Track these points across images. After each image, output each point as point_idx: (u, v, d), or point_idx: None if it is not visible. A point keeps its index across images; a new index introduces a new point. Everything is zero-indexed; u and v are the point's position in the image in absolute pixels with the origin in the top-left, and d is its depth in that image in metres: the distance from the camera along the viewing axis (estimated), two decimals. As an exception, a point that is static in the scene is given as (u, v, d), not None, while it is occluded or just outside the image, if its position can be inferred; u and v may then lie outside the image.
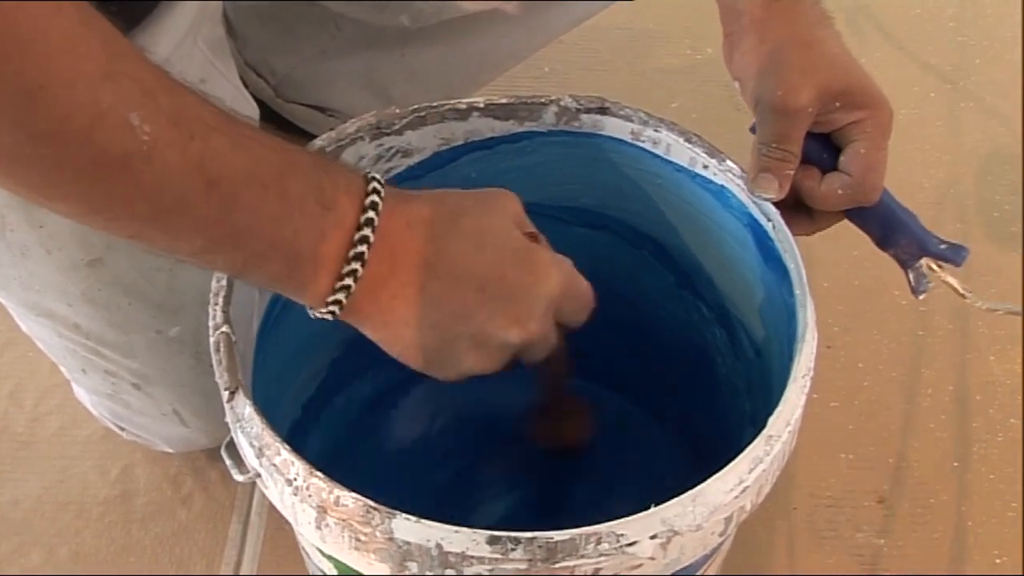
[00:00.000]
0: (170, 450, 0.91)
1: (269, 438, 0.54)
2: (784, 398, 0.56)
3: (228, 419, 0.57)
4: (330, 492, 0.52)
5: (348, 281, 0.54)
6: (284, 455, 0.54)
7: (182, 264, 0.75)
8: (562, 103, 0.69)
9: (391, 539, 0.51)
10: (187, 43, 0.72)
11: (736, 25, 0.67)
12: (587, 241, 0.75)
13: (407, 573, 0.52)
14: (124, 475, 0.92)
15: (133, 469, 0.93)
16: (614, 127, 0.69)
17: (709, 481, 0.53)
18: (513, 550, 0.50)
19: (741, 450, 0.54)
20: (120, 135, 0.47)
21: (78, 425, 0.95)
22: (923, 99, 1.23)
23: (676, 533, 0.51)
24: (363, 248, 0.54)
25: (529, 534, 0.50)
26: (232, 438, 0.58)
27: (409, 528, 0.51)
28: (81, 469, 0.93)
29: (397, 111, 0.68)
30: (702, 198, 0.68)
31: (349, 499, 0.52)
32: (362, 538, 0.52)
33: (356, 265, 0.54)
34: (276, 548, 0.88)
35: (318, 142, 0.66)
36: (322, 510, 0.52)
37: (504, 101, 0.69)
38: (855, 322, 1.03)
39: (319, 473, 0.53)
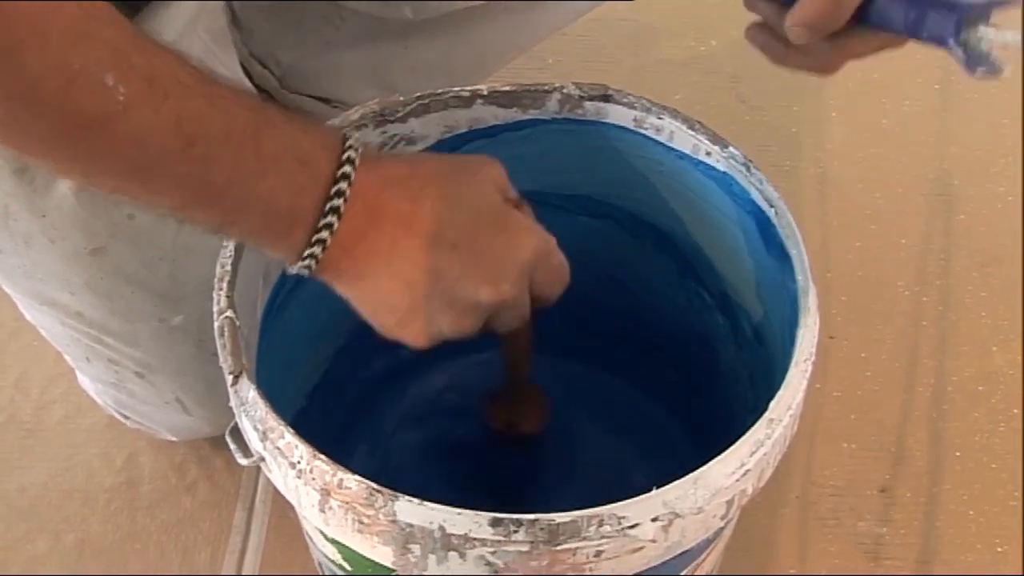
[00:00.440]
0: (174, 438, 0.91)
1: (273, 421, 0.55)
2: (786, 382, 0.56)
3: (232, 403, 0.58)
4: (333, 475, 0.52)
5: (324, 235, 0.54)
6: (288, 438, 0.54)
7: (185, 253, 0.75)
8: (565, 91, 0.69)
9: (394, 521, 0.51)
10: (189, 33, 0.72)
11: None
12: (589, 230, 0.75)
13: (410, 555, 0.52)
14: (129, 463, 0.93)
15: (138, 457, 0.93)
16: (617, 115, 0.69)
17: (711, 464, 0.53)
18: (515, 532, 0.50)
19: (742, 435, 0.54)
20: (94, 95, 0.47)
21: (83, 413, 0.95)
22: (926, 91, 1.23)
23: (677, 515, 0.52)
24: (339, 202, 0.54)
25: (531, 516, 0.50)
26: (236, 423, 0.58)
27: (412, 510, 0.51)
28: (86, 457, 0.93)
29: (401, 99, 0.68)
30: (705, 185, 0.68)
31: (352, 481, 0.52)
32: (365, 520, 0.52)
33: (332, 219, 0.54)
34: (280, 535, 0.88)
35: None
36: (325, 493, 0.52)
37: (507, 89, 0.69)
38: (858, 313, 1.03)
39: (322, 456, 0.53)
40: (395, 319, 0.58)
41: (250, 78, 0.89)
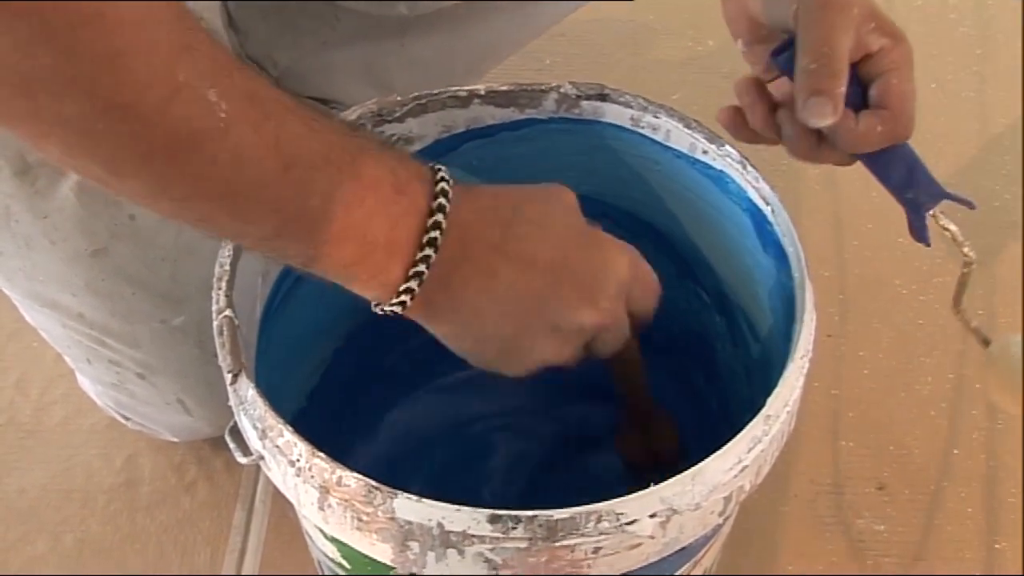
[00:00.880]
0: (174, 439, 0.91)
1: (272, 420, 0.55)
2: (783, 379, 0.56)
3: (231, 402, 0.58)
4: (332, 472, 0.52)
5: (421, 267, 0.53)
6: (287, 436, 0.54)
7: (186, 254, 0.76)
8: (562, 90, 0.69)
9: (393, 518, 0.51)
10: None
11: None
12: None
13: (409, 552, 0.52)
14: (129, 464, 0.93)
15: (137, 458, 0.93)
16: (614, 113, 0.69)
17: (708, 460, 0.53)
18: (514, 528, 0.51)
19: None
20: (197, 110, 0.45)
21: (83, 414, 0.96)
22: (923, 90, 1.23)
23: (675, 512, 0.52)
24: (436, 234, 0.53)
25: (530, 512, 0.51)
26: (236, 422, 0.59)
27: (411, 507, 0.51)
28: (86, 458, 0.94)
29: (398, 99, 0.68)
30: (701, 184, 0.68)
31: (351, 479, 0.52)
32: (364, 518, 0.52)
33: (429, 251, 0.53)
34: (280, 535, 0.89)
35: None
36: (324, 490, 0.53)
37: (504, 88, 0.69)
38: (855, 311, 1.04)
39: (321, 454, 0.53)
40: (496, 349, 0.58)
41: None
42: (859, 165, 0.65)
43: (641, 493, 0.51)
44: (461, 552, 0.51)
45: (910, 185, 0.63)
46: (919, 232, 0.64)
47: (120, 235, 0.73)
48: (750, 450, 0.54)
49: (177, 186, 0.48)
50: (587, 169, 0.73)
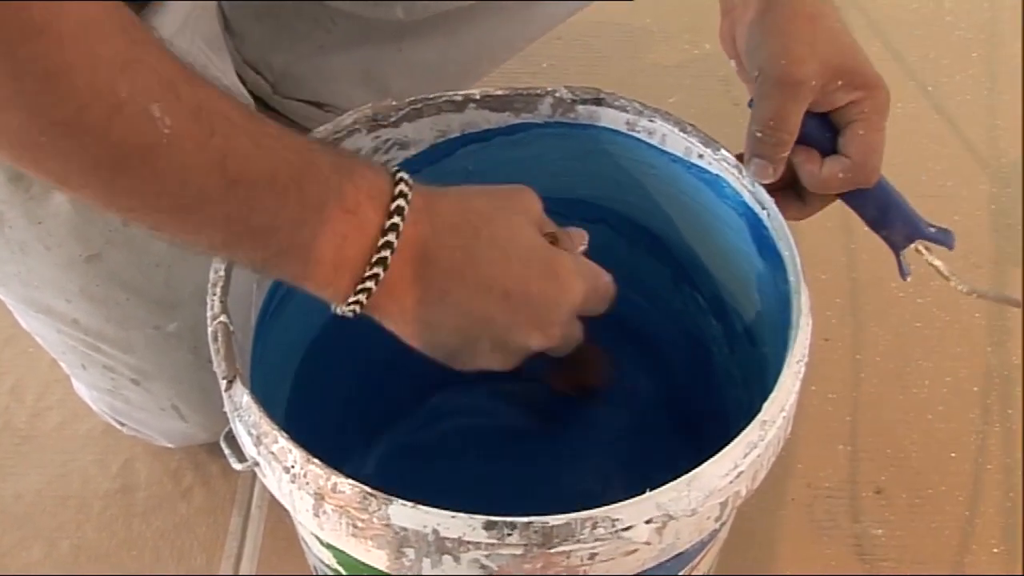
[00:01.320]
0: (170, 445, 0.91)
1: (267, 426, 0.55)
2: (779, 383, 0.56)
3: (226, 408, 0.58)
4: (327, 479, 0.52)
5: (369, 284, 0.54)
6: (281, 442, 0.54)
7: (180, 260, 0.75)
8: (558, 94, 0.69)
9: (388, 525, 0.51)
10: (183, 39, 0.72)
11: (738, 0, 0.67)
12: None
13: (404, 559, 0.52)
14: (125, 469, 0.93)
15: (134, 463, 0.93)
16: (610, 118, 0.69)
17: (704, 466, 0.53)
18: (509, 535, 0.50)
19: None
20: (140, 125, 0.46)
21: (79, 420, 0.95)
22: (918, 94, 1.23)
23: (671, 518, 0.52)
24: (386, 253, 0.54)
25: (525, 519, 0.50)
26: (231, 428, 0.59)
27: (406, 514, 0.51)
28: (82, 463, 0.93)
29: (394, 103, 0.68)
30: (697, 188, 0.68)
31: (346, 486, 0.52)
32: (359, 524, 0.52)
33: (378, 269, 0.54)
34: (276, 541, 0.88)
35: (315, 134, 0.66)
36: (319, 497, 0.53)
37: (500, 93, 0.69)
38: (852, 314, 1.04)
39: (316, 460, 0.53)
40: (443, 355, 0.59)
41: (243, 84, 0.89)
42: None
43: (637, 499, 0.51)
44: (457, 558, 0.51)
45: (883, 225, 0.67)
46: (898, 267, 0.68)
47: (114, 241, 0.72)
48: (746, 455, 0.54)
49: (123, 198, 0.49)
50: (583, 173, 0.73)
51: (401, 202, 0.54)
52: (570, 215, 0.75)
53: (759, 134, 0.63)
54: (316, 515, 0.53)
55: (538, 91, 0.69)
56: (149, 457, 0.93)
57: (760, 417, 0.55)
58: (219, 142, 0.48)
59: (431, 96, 0.69)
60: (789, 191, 0.66)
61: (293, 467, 0.53)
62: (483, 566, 0.51)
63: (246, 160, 0.49)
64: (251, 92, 0.89)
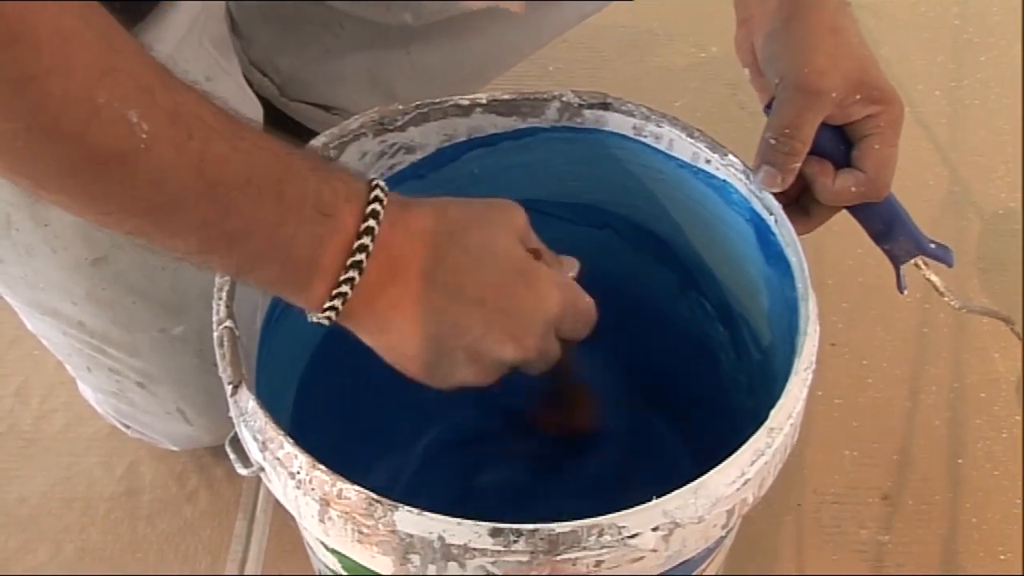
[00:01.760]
0: (174, 448, 0.91)
1: (272, 432, 0.55)
2: (786, 391, 0.56)
3: (232, 413, 0.58)
4: (333, 485, 0.52)
5: (344, 288, 0.54)
6: (287, 448, 0.54)
7: (186, 263, 0.75)
8: (564, 99, 0.69)
9: (394, 531, 0.51)
10: (192, 41, 0.72)
11: (757, 8, 0.67)
12: (589, 240, 0.75)
13: (410, 565, 0.52)
14: (130, 472, 0.93)
15: (139, 466, 0.93)
16: (616, 123, 0.69)
17: (711, 473, 0.53)
18: (515, 542, 0.50)
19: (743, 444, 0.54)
20: (117, 131, 0.46)
21: (84, 422, 0.95)
22: (928, 98, 1.23)
23: (678, 525, 0.51)
24: (361, 256, 0.53)
25: (531, 526, 0.50)
26: (236, 433, 0.58)
27: (411, 520, 0.51)
28: (87, 466, 0.94)
29: (400, 107, 0.68)
30: (704, 193, 0.68)
31: (352, 492, 0.52)
32: (365, 531, 0.52)
33: (353, 273, 0.54)
34: (281, 544, 0.88)
35: (321, 138, 0.66)
36: (325, 503, 0.52)
37: (507, 97, 0.69)
38: (859, 320, 1.03)
39: (322, 466, 0.53)
40: (417, 368, 0.58)
41: (250, 86, 0.89)
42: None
43: (644, 506, 0.51)
44: (462, 565, 0.51)
45: (886, 238, 0.67)
46: (896, 280, 0.68)
47: (120, 244, 0.72)
48: (753, 463, 0.54)
49: (100, 202, 0.49)
50: (590, 178, 0.73)
51: (376, 206, 0.54)
52: (576, 220, 0.75)
53: (772, 141, 0.63)
54: (322, 521, 0.53)
55: (545, 95, 0.69)
56: (154, 460, 0.93)
57: (767, 424, 0.55)
58: (196, 146, 0.49)
59: (438, 100, 0.69)
60: (794, 205, 0.66)
61: (299, 473, 0.53)
62: (489, 573, 0.51)
63: (223, 164, 0.50)
64: (257, 94, 0.88)
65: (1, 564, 0.88)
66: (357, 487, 0.52)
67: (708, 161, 0.67)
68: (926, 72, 1.26)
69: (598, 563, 0.51)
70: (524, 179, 0.72)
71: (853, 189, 0.65)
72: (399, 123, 0.68)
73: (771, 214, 0.64)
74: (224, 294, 0.59)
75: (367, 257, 0.54)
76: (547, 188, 0.73)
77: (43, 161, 0.47)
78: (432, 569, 0.52)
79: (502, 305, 0.57)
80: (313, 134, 0.67)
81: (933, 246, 0.67)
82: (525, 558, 0.50)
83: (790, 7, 0.65)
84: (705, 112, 1.19)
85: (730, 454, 0.54)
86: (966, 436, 0.96)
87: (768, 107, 0.65)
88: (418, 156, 0.70)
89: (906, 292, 0.68)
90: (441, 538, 0.51)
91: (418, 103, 0.68)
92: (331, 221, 0.53)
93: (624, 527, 0.51)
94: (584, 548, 0.51)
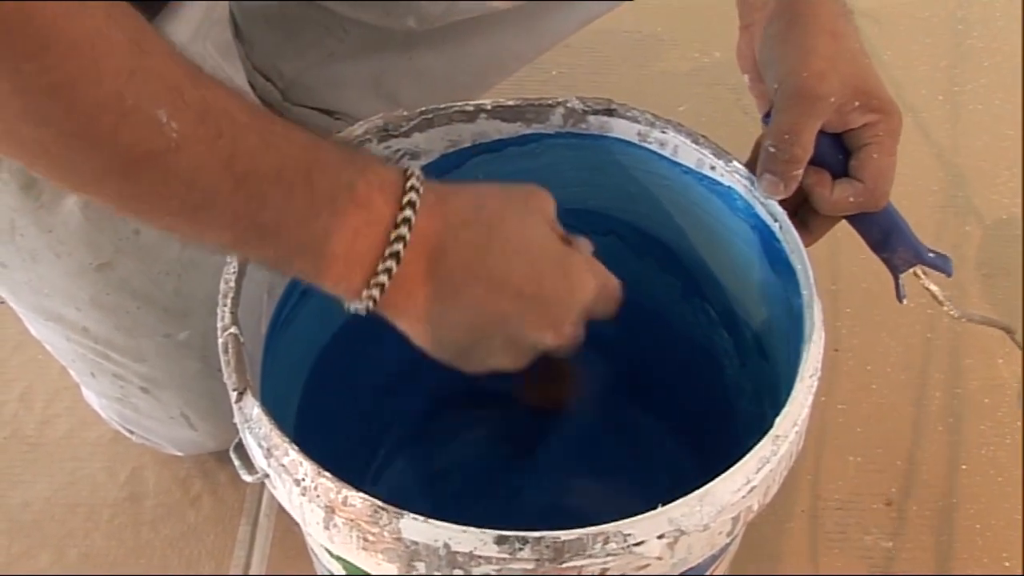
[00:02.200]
0: (179, 453, 0.91)
1: (277, 439, 0.54)
2: (791, 398, 0.56)
3: (236, 420, 0.58)
4: (338, 492, 0.52)
5: (383, 279, 0.54)
6: (292, 455, 0.54)
7: (190, 269, 0.75)
8: (569, 105, 0.69)
9: (399, 539, 0.51)
10: (196, 46, 0.72)
11: (759, 14, 0.67)
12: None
13: (415, 573, 0.52)
14: (133, 477, 0.93)
15: (142, 471, 0.93)
16: (621, 128, 0.69)
17: (716, 481, 0.52)
18: (521, 550, 0.50)
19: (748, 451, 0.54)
20: (147, 132, 0.46)
21: (87, 427, 0.95)
22: (931, 103, 1.23)
23: (683, 533, 0.51)
24: (399, 247, 0.53)
25: (536, 534, 0.50)
26: (240, 439, 0.58)
27: (417, 528, 0.51)
28: (90, 471, 0.94)
29: (404, 113, 0.68)
30: (709, 200, 0.68)
31: (357, 499, 0.52)
32: (370, 538, 0.52)
33: (391, 263, 0.53)
34: (285, 550, 0.88)
35: (327, 143, 0.66)
36: (330, 510, 0.52)
37: (511, 103, 0.69)
38: (863, 325, 1.03)
39: (327, 473, 0.53)
40: (453, 353, 0.58)
41: (253, 90, 0.89)
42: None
43: (649, 514, 0.51)
44: (468, 572, 0.51)
45: (884, 248, 0.67)
46: (896, 289, 0.68)
47: (125, 249, 0.72)
48: (759, 470, 0.54)
49: (133, 202, 0.50)
50: (594, 184, 0.72)
51: (413, 196, 0.54)
52: (580, 226, 0.74)
53: (772, 149, 0.63)
54: (327, 528, 0.53)
55: (549, 101, 0.69)
56: (157, 465, 0.93)
57: (772, 432, 0.55)
58: (226, 142, 0.49)
59: (442, 106, 0.69)
60: (793, 218, 0.66)
61: (304, 480, 0.53)
62: (494, 580, 0.51)
63: (253, 158, 0.50)
64: (261, 99, 0.88)
65: (4, 569, 0.88)
66: (362, 494, 0.52)
67: (713, 167, 0.67)
68: (928, 77, 1.26)
69: (603, 571, 0.51)
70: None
71: (851, 199, 0.64)
72: (403, 129, 0.68)
73: (776, 221, 0.64)
74: (229, 300, 0.59)
75: (405, 247, 0.53)
76: (552, 194, 0.73)
77: (76, 164, 0.47)
78: (437, 576, 0.52)
79: (541, 294, 0.57)
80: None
81: (932, 255, 0.67)
82: (530, 566, 0.50)
83: (790, 12, 0.65)
84: (709, 117, 1.19)
85: (735, 461, 0.54)
86: (971, 442, 0.96)
87: (767, 116, 0.65)
88: (422, 162, 0.70)
89: (905, 301, 0.68)
90: (447, 545, 0.51)
91: (423, 109, 0.68)
92: (366, 212, 0.53)
93: (630, 535, 0.51)
94: (590, 556, 0.51)
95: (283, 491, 0.55)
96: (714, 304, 0.74)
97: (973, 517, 0.91)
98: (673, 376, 0.80)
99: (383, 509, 0.51)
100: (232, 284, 0.60)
